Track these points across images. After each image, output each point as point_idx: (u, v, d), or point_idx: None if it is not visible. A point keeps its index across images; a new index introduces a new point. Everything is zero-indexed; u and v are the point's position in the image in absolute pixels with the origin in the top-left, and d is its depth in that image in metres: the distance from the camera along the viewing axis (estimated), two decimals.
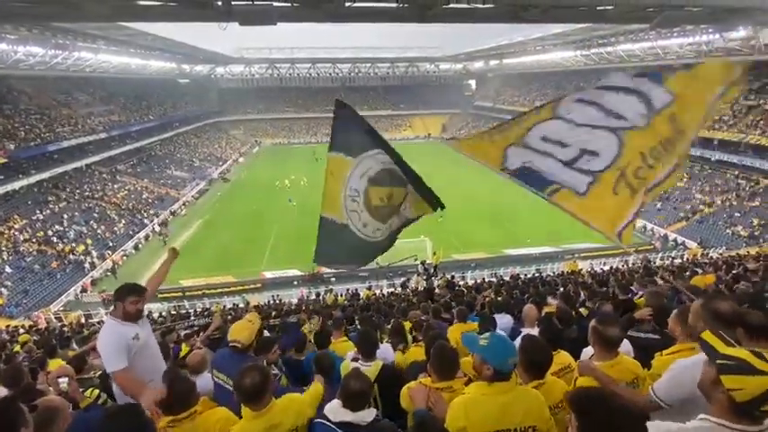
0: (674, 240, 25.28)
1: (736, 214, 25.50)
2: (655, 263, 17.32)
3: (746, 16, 12.05)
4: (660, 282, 7.99)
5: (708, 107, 2.69)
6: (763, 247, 18.62)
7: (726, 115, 30.99)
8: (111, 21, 23.40)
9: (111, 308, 2.84)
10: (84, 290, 20.96)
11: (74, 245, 23.90)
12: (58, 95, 36.83)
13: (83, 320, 15.57)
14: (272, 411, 2.04)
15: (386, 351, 3.70)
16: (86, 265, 22.60)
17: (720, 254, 17.95)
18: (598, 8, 10.96)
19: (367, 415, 1.98)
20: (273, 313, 10.77)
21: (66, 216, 26.32)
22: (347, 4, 9.69)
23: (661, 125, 2.68)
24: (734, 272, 8.10)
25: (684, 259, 17.80)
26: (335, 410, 2.04)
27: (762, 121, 28.10)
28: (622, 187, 2.69)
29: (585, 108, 2.82)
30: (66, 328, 12.17)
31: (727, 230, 24.55)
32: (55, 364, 3.11)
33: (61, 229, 24.95)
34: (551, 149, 2.82)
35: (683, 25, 26.90)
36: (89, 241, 24.67)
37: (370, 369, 2.79)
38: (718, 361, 1.41)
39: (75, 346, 6.59)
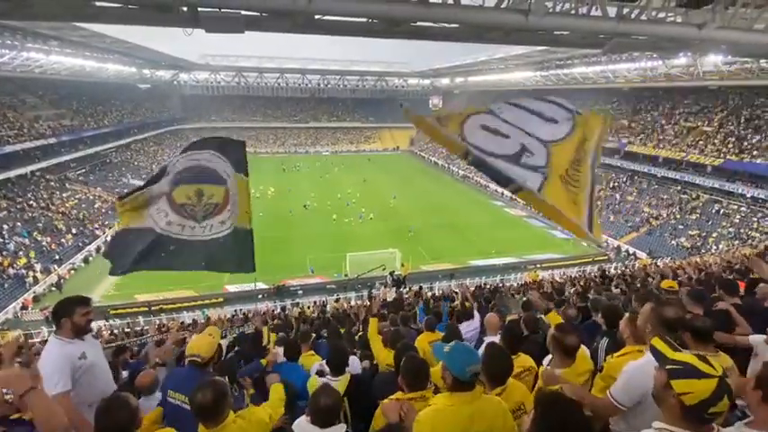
0: (627, 251, 26.87)
1: (680, 227, 27.54)
2: (609, 272, 18.26)
3: (686, 46, 13.22)
4: (615, 290, 8.45)
5: (591, 149, 2.97)
6: (704, 256, 20.15)
7: (669, 135, 33.66)
8: (63, 21, 22.21)
9: (54, 327, 2.58)
10: (24, 307, 19.26)
11: (19, 255, 22.04)
12: (2, 97, 34.19)
13: (22, 340, 14.25)
14: (230, 428, 1.95)
15: (354, 364, 3.65)
16: (28, 280, 20.82)
17: (666, 263, 19.22)
18: (555, 33, 11.65)
19: (337, 430, 1.96)
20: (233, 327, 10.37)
21: (6, 226, 24.20)
22: (317, 17, 9.73)
23: (569, 147, 2.88)
24: (678, 279, 8.70)
25: (635, 269, 18.89)
26: (303, 427, 2.00)
27: (700, 142, 30.75)
28: (570, 187, 2.71)
29: (516, 111, 2.97)
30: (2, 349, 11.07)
31: (673, 242, 26.43)
32: None
33: (0, 240, 22.91)
34: (493, 142, 2.77)
35: (631, 52, 29.17)
36: (32, 254, 22.78)
37: (339, 383, 2.74)
38: (667, 366, 1.47)
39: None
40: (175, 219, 3.79)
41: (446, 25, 10.83)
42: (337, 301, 17.13)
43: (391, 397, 2.26)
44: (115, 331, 13.77)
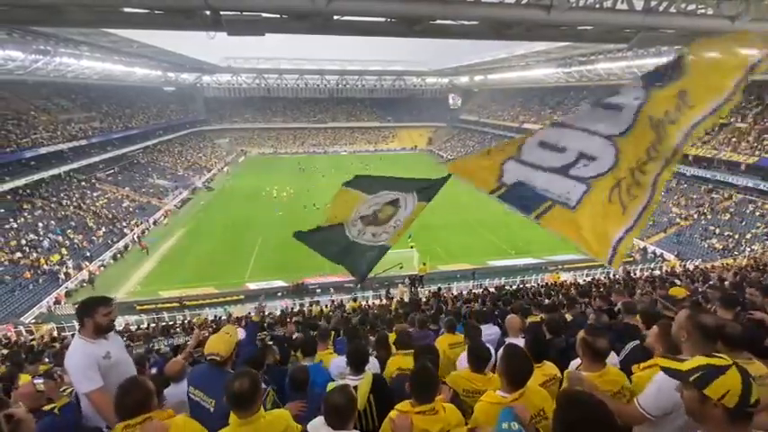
0: (653, 253, 25.95)
1: (711, 227, 26.40)
2: (635, 274, 17.70)
3: None
4: (639, 292, 8.16)
5: (738, 76, 2.55)
6: (738, 259, 19.27)
7: (700, 132, 32.30)
8: (94, 27, 23.09)
9: (78, 326, 2.66)
10: (57, 301, 20.17)
11: (53, 252, 23.10)
12: (36, 101, 35.89)
13: (55, 333, 14.94)
14: (260, 422, 1.99)
15: (373, 364, 3.64)
16: (61, 276, 21.79)
17: (696, 266, 18.47)
18: (578, 28, 11.37)
19: None
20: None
21: (41, 225, 25.42)
22: (335, 18, 9.81)
23: (639, 134, 2.62)
24: (710, 283, 8.34)
25: (663, 271, 18.25)
26: (318, 427, 1.99)
27: (733, 139, 29.39)
28: (616, 199, 2.52)
29: (586, 114, 2.87)
30: (35, 342, 11.63)
31: (703, 243, 25.36)
32: (25, 379, 2.96)
33: (36, 238, 24.05)
34: (548, 157, 2.75)
35: (658, 46, 28.12)
36: (64, 251, 23.84)
37: (363, 381, 2.74)
38: (690, 379, 1.35)
39: (47, 360, 6.29)
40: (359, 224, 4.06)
41: (465, 23, 10.73)
42: (355, 300, 17.20)
43: (399, 407, 2.21)
44: (142, 326, 14.23)
